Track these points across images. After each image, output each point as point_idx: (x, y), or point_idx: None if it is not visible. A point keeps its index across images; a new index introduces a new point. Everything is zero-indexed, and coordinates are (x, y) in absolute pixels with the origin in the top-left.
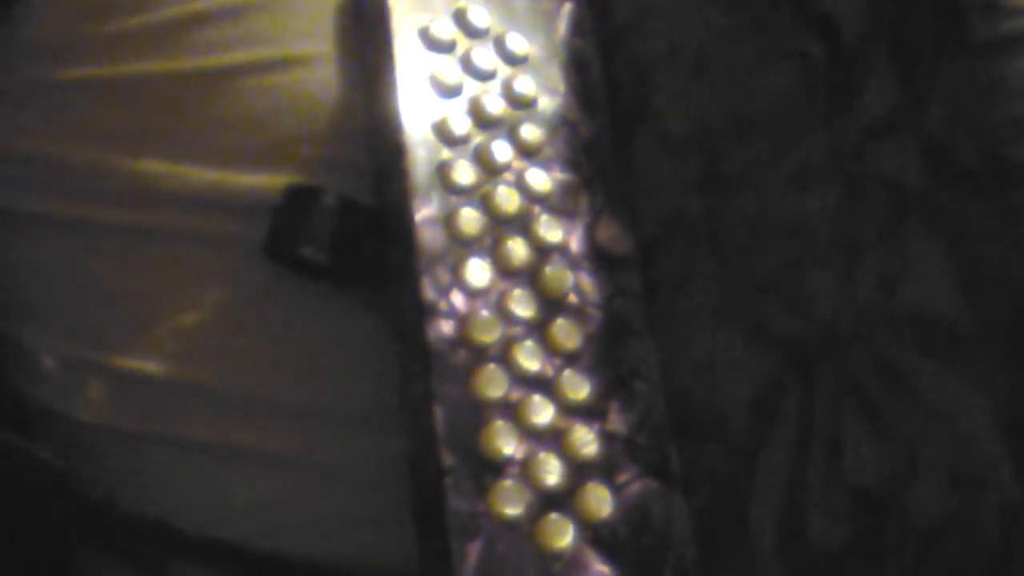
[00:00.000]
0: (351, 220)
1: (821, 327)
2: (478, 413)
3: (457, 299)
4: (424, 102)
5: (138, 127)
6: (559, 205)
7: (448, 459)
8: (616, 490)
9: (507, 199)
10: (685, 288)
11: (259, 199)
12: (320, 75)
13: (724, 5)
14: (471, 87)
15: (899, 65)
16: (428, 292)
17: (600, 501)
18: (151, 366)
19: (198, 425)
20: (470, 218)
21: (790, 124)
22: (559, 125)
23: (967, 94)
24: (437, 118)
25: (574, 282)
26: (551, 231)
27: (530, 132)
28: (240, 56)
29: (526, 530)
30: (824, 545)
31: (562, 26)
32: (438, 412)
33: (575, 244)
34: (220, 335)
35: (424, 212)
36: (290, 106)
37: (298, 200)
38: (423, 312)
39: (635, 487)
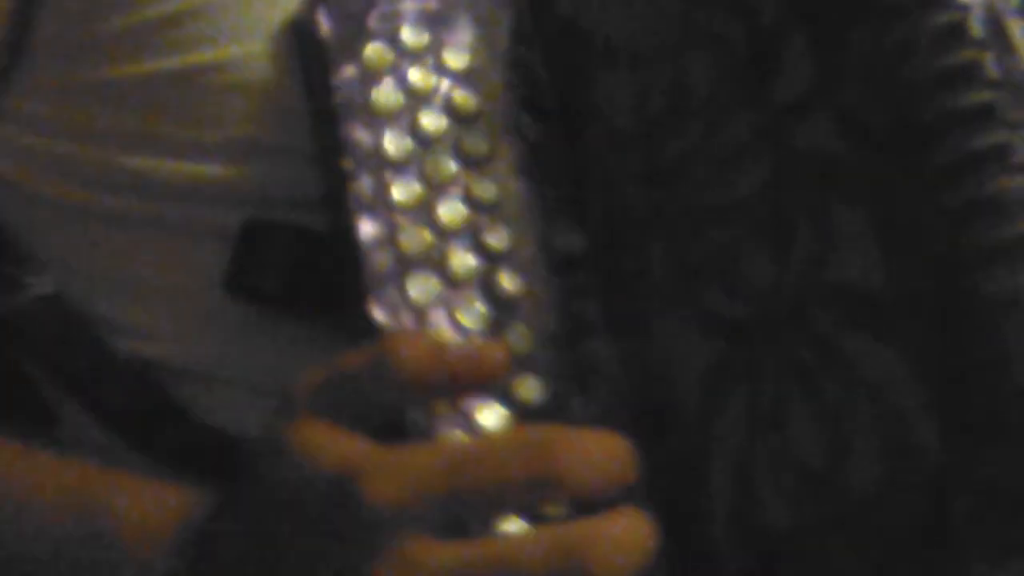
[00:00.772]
0: (306, 250)
1: (760, 308)
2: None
3: (407, 318)
4: (364, 128)
5: (126, 126)
6: (508, 213)
7: None
8: None
9: (453, 212)
10: (640, 282)
11: (235, 190)
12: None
13: None
14: (411, 107)
15: (814, 38)
16: (378, 314)
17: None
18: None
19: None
20: (415, 235)
21: (719, 110)
22: (504, 133)
23: (877, 58)
24: (378, 141)
25: (526, 286)
26: (500, 239)
27: (475, 144)
28: (209, 55)
29: None
30: (775, 524)
31: (502, 33)
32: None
33: (526, 250)
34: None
35: (369, 232)
36: (254, 100)
37: (253, 234)
38: (375, 335)
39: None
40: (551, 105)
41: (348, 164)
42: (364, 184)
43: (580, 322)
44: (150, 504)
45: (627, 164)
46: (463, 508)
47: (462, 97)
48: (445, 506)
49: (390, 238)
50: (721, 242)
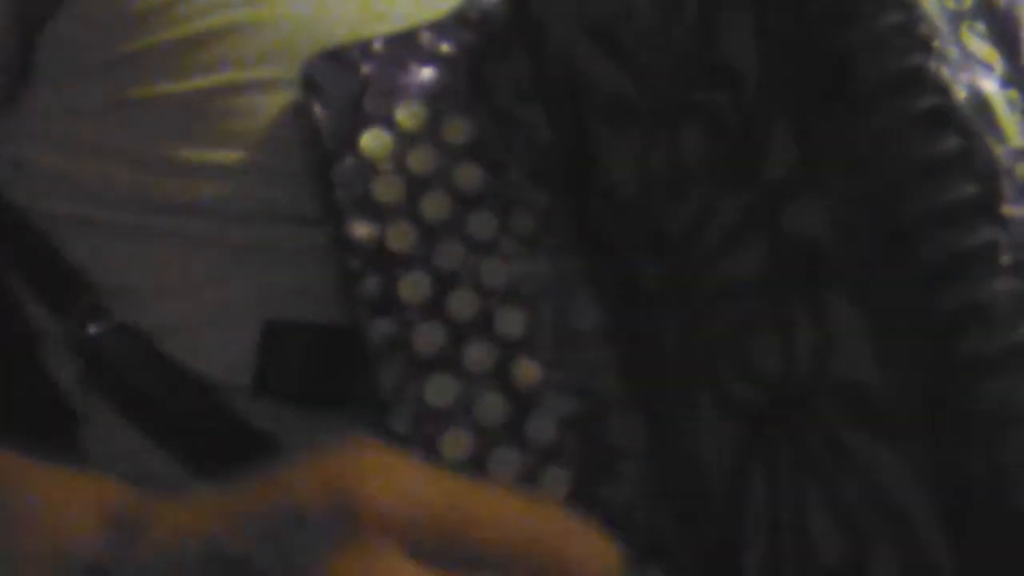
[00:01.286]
0: (325, 351)
1: (774, 395)
2: None
3: (429, 427)
4: (367, 222)
5: (139, 145)
6: (518, 294)
7: None
8: None
9: (464, 303)
10: (657, 359)
11: (248, 207)
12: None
13: (645, 48)
14: (414, 194)
15: (794, 119)
16: (399, 426)
17: None
18: None
19: None
20: (427, 335)
21: (715, 182)
22: (511, 206)
23: (858, 145)
24: (382, 235)
25: (544, 376)
26: (514, 325)
27: (481, 225)
28: (227, 76)
29: None
30: None
31: (503, 94)
32: None
33: (542, 332)
34: None
35: (381, 333)
36: (270, 123)
37: (273, 337)
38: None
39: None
40: (557, 168)
41: (354, 263)
42: (371, 283)
43: (602, 401)
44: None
45: (634, 232)
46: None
47: (465, 175)
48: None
49: (403, 340)
50: (732, 321)
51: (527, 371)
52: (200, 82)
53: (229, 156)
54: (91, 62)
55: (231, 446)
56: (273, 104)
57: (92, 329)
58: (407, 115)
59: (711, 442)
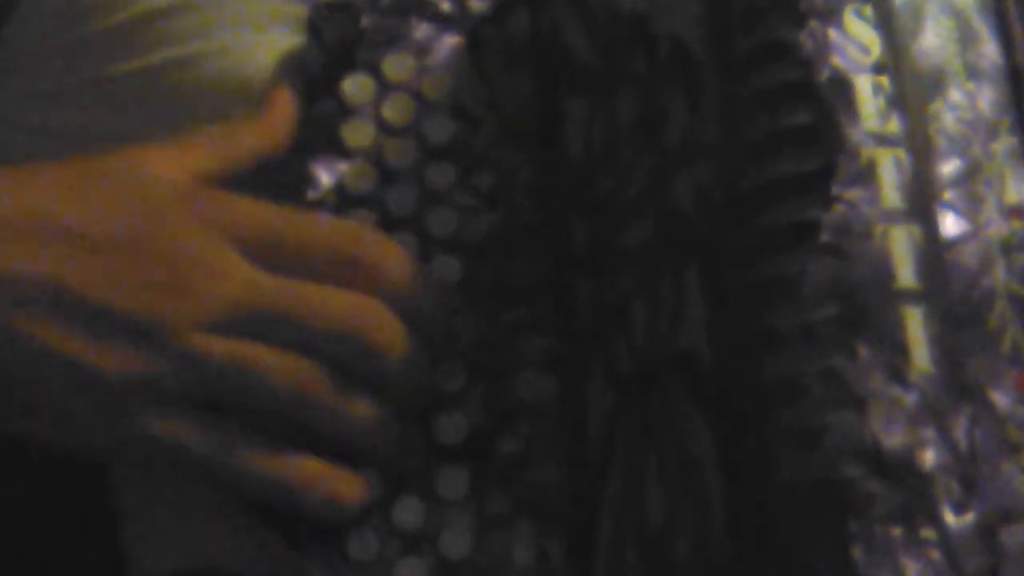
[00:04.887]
0: None
1: (638, 362)
2: None
3: None
4: (330, 162)
5: (103, 125)
6: (459, 244)
7: None
8: None
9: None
10: (572, 321)
11: None
12: (260, 62)
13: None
14: (380, 141)
15: (689, 87)
16: None
17: None
18: None
19: None
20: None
21: (633, 150)
22: (476, 162)
23: (728, 114)
24: (338, 175)
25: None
26: (449, 275)
27: (439, 176)
28: (193, 48)
29: None
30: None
31: (493, 55)
32: None
33: (477, 285)
34: None
35: None
36: (234, 91)
37: None
38: None
39: None
40: (532, 130)
41: (311, 197)
42: None
43: (519, 358)
44: None
45: (573, 195)
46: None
47: (436, 128)
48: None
49: None
50: (623, 289)
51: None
52: (154, 57)
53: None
54: (49, 47)
55: None
56: (229, 72)
57: None
58: (393, 65)
59: (596, 406)
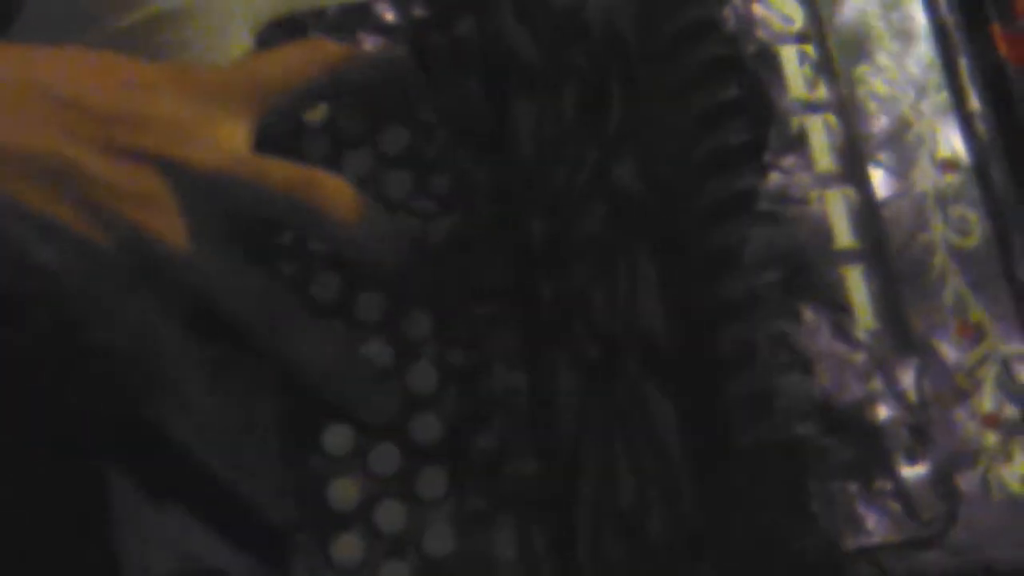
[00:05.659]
0: None
1: (602, 348)
2: None
3: None
4: None
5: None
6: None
7: None
8: None
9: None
10: (536, 315)
11: None
12: None
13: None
14: (336, 152)
15: (624, 72)
16: None
17: None
18: None
19: None
20: (325, 281)
21: (579, 142)
22: (431, 167)
23: (660, 94)
24: None
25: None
26: None
27: (396, 184)
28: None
29: None
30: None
31: (442, 61)
32: None
33: (443, 287)
34: None
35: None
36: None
37: None
38: None
39: None
40: (483, 133)
41: None
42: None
43: (489, 355)
44: None
45: (529, 192)
46: None
47: (391, 138)
48: None
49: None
50: (582, 278)
51: (417, 325)
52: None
53: None
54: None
55: None
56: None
57: None
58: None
59: (564, 396)
